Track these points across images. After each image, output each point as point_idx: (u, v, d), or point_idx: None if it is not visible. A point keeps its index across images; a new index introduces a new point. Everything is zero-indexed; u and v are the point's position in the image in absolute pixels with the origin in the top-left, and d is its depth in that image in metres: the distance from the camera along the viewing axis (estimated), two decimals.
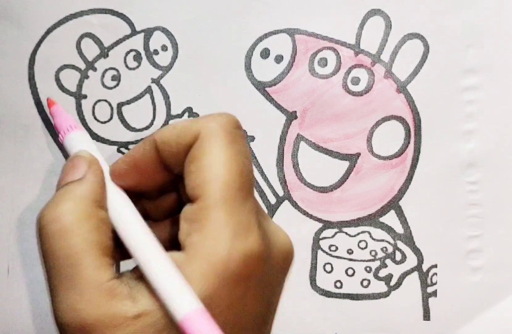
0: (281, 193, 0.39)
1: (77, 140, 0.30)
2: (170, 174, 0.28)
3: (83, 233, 0.25)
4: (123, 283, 0.25)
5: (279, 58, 0.39)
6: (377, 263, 0.39)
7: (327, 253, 0.39)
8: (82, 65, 0.39)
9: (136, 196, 0.29)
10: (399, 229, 0.39)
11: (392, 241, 0.39)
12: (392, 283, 0.39)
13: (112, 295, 0.24)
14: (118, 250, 0.27)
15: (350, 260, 0.39)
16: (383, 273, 0.39)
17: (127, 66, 0.39)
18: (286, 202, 0.39)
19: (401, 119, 0.39)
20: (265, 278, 0.26)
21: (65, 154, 0.39)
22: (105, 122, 0.39)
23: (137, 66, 0.39)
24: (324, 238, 0.39)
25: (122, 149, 0.39)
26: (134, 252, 0.26)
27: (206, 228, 0.25)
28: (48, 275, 0.26)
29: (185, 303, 0.24)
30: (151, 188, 0.29)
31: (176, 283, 0.24)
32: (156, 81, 0.39)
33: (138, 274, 0.26)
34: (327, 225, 0.39)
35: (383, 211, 0.39)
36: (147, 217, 0.30)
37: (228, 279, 0.25)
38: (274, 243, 0.27)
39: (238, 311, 0.25)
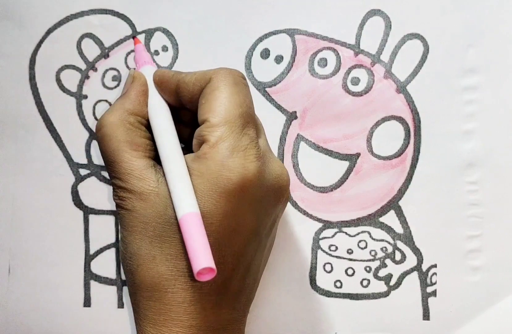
0: None
1: (145, 71, 0.36)
2: (181, 103, 0.35)
3: (116, 135, 0.33)
4: (153, 172, 0.32)
5: (279, 59, 0.39)
6: (377, 263, 0.39)
7: (327, 253, 0.39)
8: (83, 66, 0.39)
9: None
10: (398, 229, 0.39)
11: (391, 241, 0.39)
12: (392, 282, 0.39)
13: (141, 179, 0.32)
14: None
15: (350, 260, 0.39)
16: (383, 272, 0.39)
17: (127, 66, 0.39)
18: None
19: (401, 120, 0.39)
20: (258, 195, 0.32)
21: (66, 155, 0.39)
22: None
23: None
24: (324, 238, 0.39)
25: None
26: (160, 151, 0.33)
27: (209, 140, 0.31)
28: (106, 169, 0.34)
29: (185, 205, 0.30)
30: (175, 104, 0.35)
31: (184, 186, 0.31)
32: None
33: None
34: (327, 225, 0.39)
35: (383, 211, 0.39)
36: (181, 121, 0.36)
37: (223, 185, 0.31)
38: (270, 170, 0.33)
39: (231, 218, 0.31)
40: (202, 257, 0.29)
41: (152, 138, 0.34)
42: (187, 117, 0.36)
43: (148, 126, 0.34)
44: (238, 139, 0.31)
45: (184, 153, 0.33)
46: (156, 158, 0.33)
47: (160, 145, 0.33)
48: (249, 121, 0.32)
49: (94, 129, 0.39)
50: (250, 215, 0.32)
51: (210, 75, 0.33)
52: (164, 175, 0.32)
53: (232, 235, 0.31)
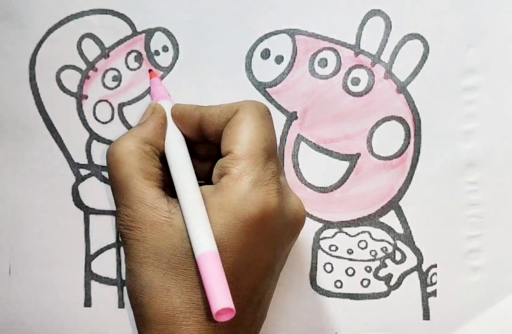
0: None
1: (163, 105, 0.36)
2: (204, 139, 0.35)
3: (129, 162, 0.32)
4: (165, 202, 0.32)
5: (279, 59, 0.39)
6: (377, 263, 0.39)
7: (327, 253, 0.39)
8: (83, 66, 0.39)
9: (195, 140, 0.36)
10: (399, 229, 0.39)
11: (392, 241, 0.39)
12: (392, 282, 0.39)
13: (153, 208, 0.31)
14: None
15: (350, 260, 0.39)
16: (383, 272, 0.39)
17: (128, 66, 0.39)
18: None
19: (401, 120, 0.39)
20: (276, 230, 0.32)
21: (66, 155, 0.39)
22: (106, 122, 0.39)
23: (138, 67, 0.39)
24: (324, 238, 0.39)
25: None
26: (176, 183, 0.33)
27: (232, 173, 0.31)
28: (113, 195, 0.33)
29: (204, 244, 0.30)
30: (195, 138, 0.35)
31: (201, 222, 0.30)
32: None
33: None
34: (327, 225, 0.39)
35: (383, 211, 0.39)
36: (197, 156, 0.36)
37: (244, 219, 0.30)
38: (289, 204, 0.33)
39: (249, 253, 0.31)
40: (222, 298, 0.29)
41: (163, 170, 0.34)
42: (202, 152, 0.36)
43: (161, 159, 0.34)
44: (261, 174, 0.31)
45: (200, 185, 0.33)
46: (165, 190, 0.33)
47: (177, 179, 0.33)
48: (272, 156, 0.32)
49: (94, 130, 0.39)
50: (267, 250, 0.32)
51: (237, 107, 0.33)
52: (176, 206, 0.32)
53: (248, 269, 0.31)
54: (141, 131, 0.34)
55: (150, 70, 0.39)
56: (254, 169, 0.31)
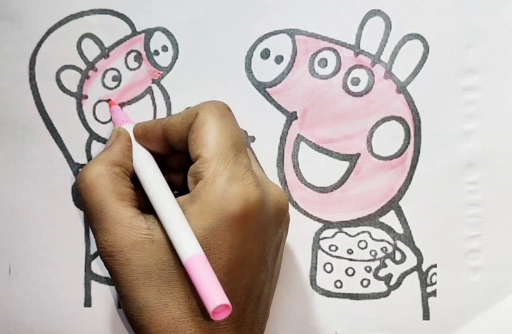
0: None
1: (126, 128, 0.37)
2: (172, 150, 0.35)
3: (101, 185, 0.32)
4: (142, 219, 0.32)
5: (279, 59, 0.39)
6: (377, 263, 0.39)
7: (327, 253, 0.39)
8: (83, 66, 0.39)
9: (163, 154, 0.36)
10: (399, 229, 0.39)
11: (392, 241, 0.39)
12: (392, 282, 0.39)
13: (131, 227, 0.31)
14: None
15: (350, 260, 0.39)
16: (383, 272, 0.39)
17: (128, 66, 0.39)
18: None
19: (401, 120, 0.39)
20: (261, 223, 0.32)
21: (66, 155, 0.39)
22: (106, 122, 0.39)
23: (138, 67, 0.39)
24: (324, 238, 0.39)
25: None
26: (151, 199, 0.32)
27: (205, 176, 0.31)
28: (89, 223, 0.33)
29: (187, 249, 0.29)
30: (163, 152, 0.35)
31: (182, 229, 0.30)
32: (157, 81, 0.39)
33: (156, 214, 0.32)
34: (327, 225, 0.39)
35: (383, 211, 0.39)
36: (170, 168, 0.36)
37: (226, 218, 0.30)
38: (269, 195, 0.33)
39: (239, 251, 0.31)
40: (215, 295, 0.28)
41: (137, 190, 0.34)
42: (175, 164, 0.36)
43: (132, 180, 0.34)
44: (234, 170, 0.31)
45: (177, 195, 0.32)
46: (143, 210, 0.33)
47: (151, 194, 0.33)
48: (240, 151, 0.32)
49: (94, 130, 0.39)
50: (256, 245, 0.32)
51: (196, 110, 0.33)
52: (154, 222, 0.32)
53: (241, 268, 0.31)
54: (109, 154, 0.34)
55: (109, 100, 0.39)
56: (226, 168, 0.31)
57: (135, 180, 0.34)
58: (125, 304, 0.32)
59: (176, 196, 0.33)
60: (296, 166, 0.39)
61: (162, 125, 0.34)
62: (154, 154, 0.35)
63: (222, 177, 0.31)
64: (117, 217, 0.31)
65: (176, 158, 0.36)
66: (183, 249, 0.30)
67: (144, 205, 0.34)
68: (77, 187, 0.33)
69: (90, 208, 0.32)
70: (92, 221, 0.32)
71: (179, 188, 0.37)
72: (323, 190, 0.39)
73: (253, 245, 0.31)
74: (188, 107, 0.36)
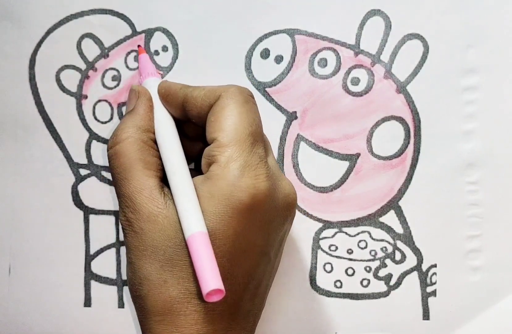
0: None
1: (149, 83, 0.37)
2: (187, 117, 0.35)
3: (128, 153, 0.33)
4: (162, 193, 0.32)
5: (279, 59, 0.39)
6: (376, 263, 0.39)
7: (327, 253, 0.39)
8: (83, 66, 0.39)
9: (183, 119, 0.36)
10: (398, 229, 0.39)
11: (391, 241, 0.39)
12: (392, 282, 0.39)
13: (150, 199, 0.32)
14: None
15: (350, 259, 0.39)
16: (382, 272, 0.39)
17: (127, 66, 0.39)
18: None
19: (400, 120, 0.39)
20: (268, 215, 0.32)
21: (66, 155, 0.39)
22: (105, 122, 0.39)
23: (138, 67, 0.39)
24: (324, 237, 0.39)
25: None
26: (168, 172, 0.33)
27: (219, 160, 0.31)
28: (114, 187, 0.33)
29: (192, 225, 0.30)
30: (181, 117, 0.35)
31: (192, 206, 0.30)
32: None
33: None
34: (327, 225, 0.39)
35: (383, 211, 0.39)
36: (186, 135, 0.36)
37: (234, 205, 0.30)
38: (279, 188, 0.33)
39: (242, 239, 0.31)
40: (210, 279, 0.29)
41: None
42: (192, 132, 0.36)
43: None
44: (248, 159, 0.31)
45: (192, 171, 0.33)
46: (164, 179, 0.33)
47: (168, 167, 0.33)
48: (258, 140, 0.32)
49: (94, 129, 0.39)
50: (260, 235, 0.32)
51: (220, 92, 0.33)
52: (171, 198, 0.32)
53: (243, 255, 0.31)
54: (135, 119, 0.34)
55: (139, 46, 0.39)
56: (241, 155, 0.31)
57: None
58: (130, 271, 0.32)
59: (191, 172, 0.33)
60: (296, 166, 0.39)
61: (184, 94, 0.34)
62: (173, 117, 0.35)
63: (235, 164, 0.31)
64: (140, 186, 0.32)
65: (193, 126, 0.36)
66: (188, 224, 0.30)
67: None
68: (107, 153, 0.34)
69: (117, 173, 0.33)
70: (118, 186, 0.33)
71: (192, 157, 0.37)
72: (323, 190, 0.39)
73: (257, 235, 0.32)
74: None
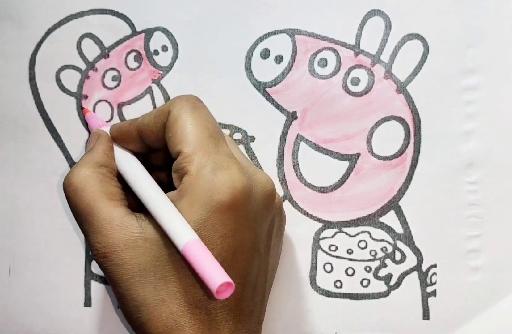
0: (281, 193, 0.39)
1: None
2: (151, 149, 0.35)
3: (90, 187, 0.32)
4: (134, 218, 0.31)
5: (279, 59, 0.39)
6: (376, 263, 0.39)
7: (327, 253, 0.39)
8: (83, 66, 0.39)
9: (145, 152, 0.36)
10: (398, 229, 0.39)
11: (391, 241, 0.39)
12: (392, 282, 0.39)
13: (123, 227, 0.31)
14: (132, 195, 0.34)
15: (350, 259, 0.39)
16: (382, 272, 0.39)
17: (127, 66, 0.39)
18: (287, 202, 0.39)
19: (400, 120, 0.39)
20: (250, 210, 0.32)
21: (66, 155, 0.39)
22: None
23: (138, 67, 0.39)
24: (324, 237, 0.39)
25: None
26: (139, 194, 0.32)
27: (190, 170, 0.31)
28: (79, 227, 0.32)
29: (183, 235, 0.30)
30: (143, 151, 0.35)
31: (175, 218, 0.30)
32: (157, 81, 0.39)
33: (146, 211, 0.32)
34: (327, 225, 0.39)
35: (383, 211, 0.39)
36: (155, 167, 0.36)
37: (215, 208, 0.30)
38: (255, 182, 0.33)
39: (230, 240, 0.31)
40: (217, 275, 0.29)
41: (123, 188, 0.34)
42: (158, 161, 0.36)
43: (119, 180, 0.34)
44: (217, 160, 0.31)
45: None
46: (130, 208, 0.33)
47: (139, 191, 0.32)
48: (219, 140, 0.32)
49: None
50: (247, 232, 0.32)
51: (168, 107, 0.33)
52: (145, 220, 0.31)
53: (234, 256, 0.31)
54: (92, 157, 0.34)
55: (82, 108, 0.39)
56: (208, 158, 0.31)
57: (121, 181, 0.34)
58: (122, 303, 0.31)
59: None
60: (296, 166, 0.39)
61: (136, 126, 0.34)
62: (136, 153, 0.36)
63: (206, 168, 0.31)
64: (108, 217, 0.31)
65: (158, 155, 0.36)
66: (178, 237, 0.30)
67: (134, 205, 0.34)
68: (65, 191, 0.33)
69: (80, 210, 0.32)
70: (83, 223, 0.32)
71: (166, 185, 0.36)
72: (323, 190, 0.39)
73: (244, 232, 0.32)
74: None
